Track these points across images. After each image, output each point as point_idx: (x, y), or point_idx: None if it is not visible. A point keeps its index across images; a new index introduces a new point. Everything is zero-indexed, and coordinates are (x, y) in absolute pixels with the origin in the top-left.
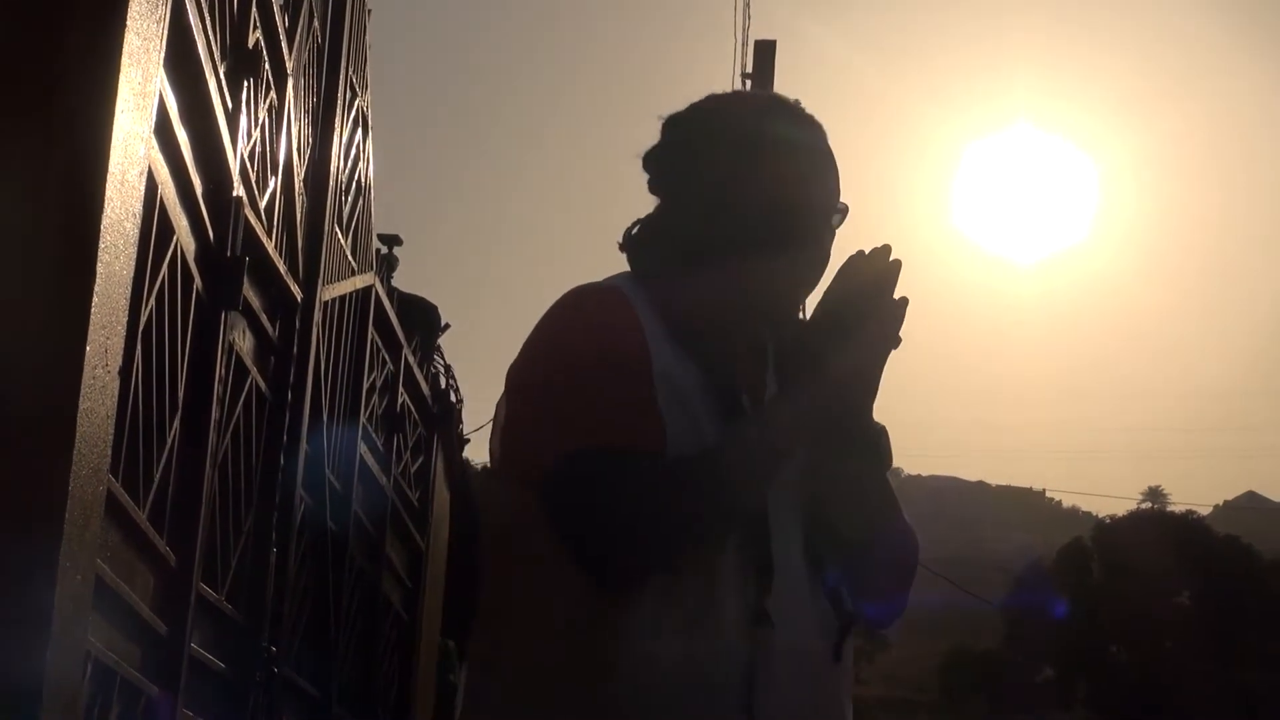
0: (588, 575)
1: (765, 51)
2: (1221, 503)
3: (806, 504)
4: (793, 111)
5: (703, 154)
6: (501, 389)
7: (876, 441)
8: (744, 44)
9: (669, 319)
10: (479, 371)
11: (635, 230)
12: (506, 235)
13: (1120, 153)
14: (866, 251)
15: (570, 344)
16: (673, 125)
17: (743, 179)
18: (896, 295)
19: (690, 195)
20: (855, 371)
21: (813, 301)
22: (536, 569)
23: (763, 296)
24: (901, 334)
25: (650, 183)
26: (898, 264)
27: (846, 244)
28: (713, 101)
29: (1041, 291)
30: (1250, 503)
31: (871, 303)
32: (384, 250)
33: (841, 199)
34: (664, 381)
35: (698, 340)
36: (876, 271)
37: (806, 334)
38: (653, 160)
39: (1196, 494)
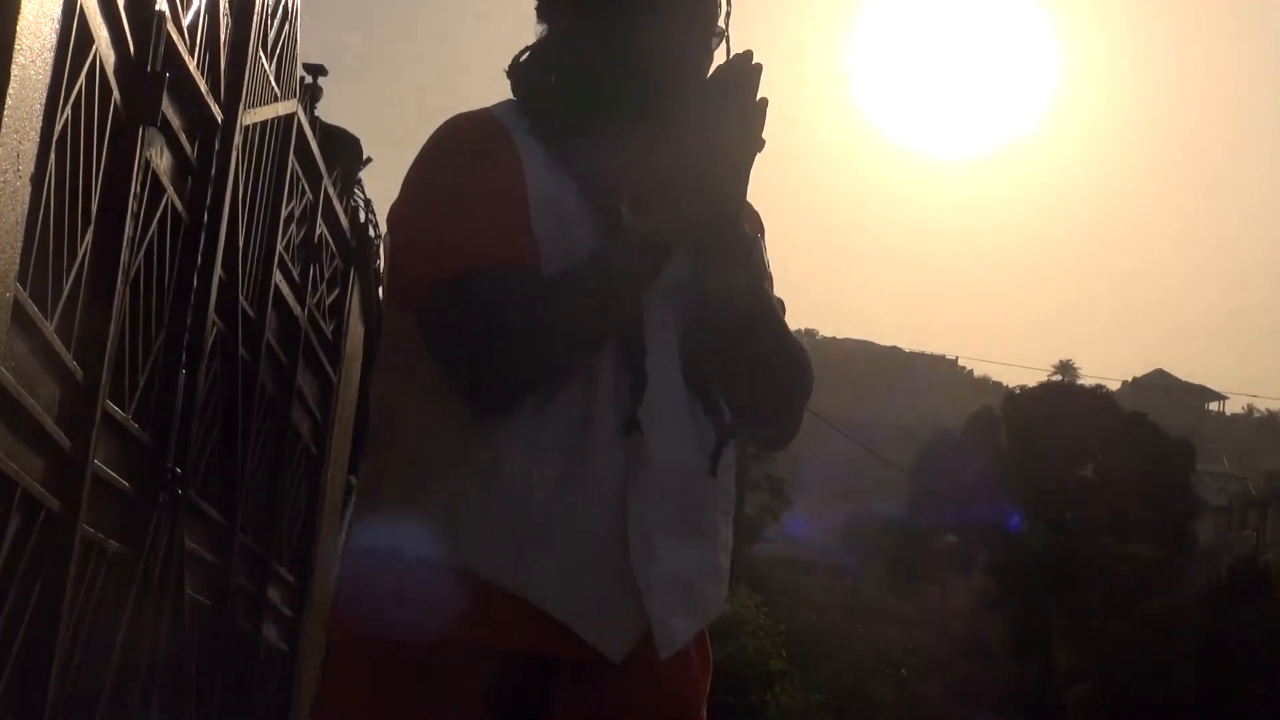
0: (462, 399)
1: None
2: (1131, 379)
3: (687, 319)
4: None
5: None
6: None
7: (748, 252)
8: None
9: (550, 142)
10: None
11: (523, 58)
12: (434, 72)
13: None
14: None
15: (442, 172)
16: None
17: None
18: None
19: (559, 30)
20: (717, 182)
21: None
22: (419, 394)
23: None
24: (764, 137)
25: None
26: (758, 67)
27: None
28: None
29: (974, 181)
30: (1158, 380)
31: (732, 108)
32: (309, 80)
33: None
34: (542, 203)
35: (578, 159)
36: (736, 76)
37: (669, 150)
38: None
39: (1106, 369)
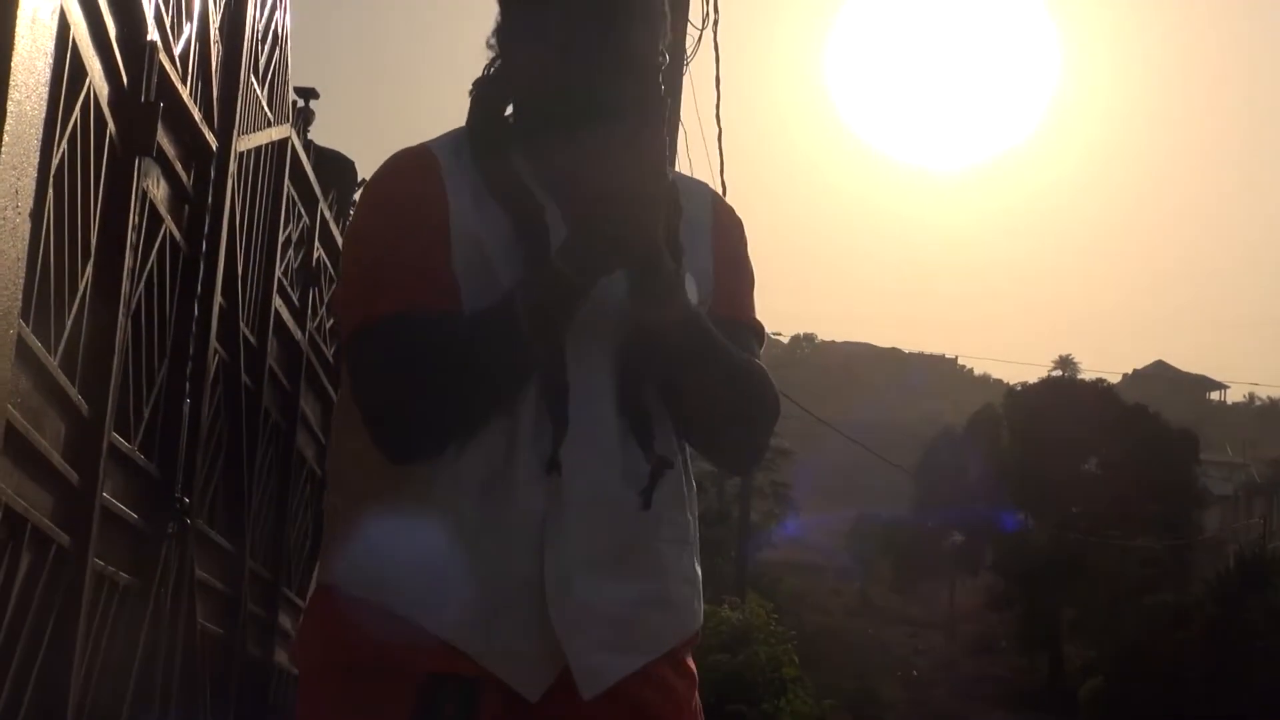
0: (374, 444)
1: None
2: (1131, 371)
3: (623, 353)
4: None
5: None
6: None
7: (674, 289)
8: None
9: (485, 171)
10: None
11: (486, 74)
12: (427, 92)
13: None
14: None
15: (367, 216)
16: None
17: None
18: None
19: (503, 49)
20: (625, 223)
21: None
22: (355, 434)
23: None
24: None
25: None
26: (664, 101)
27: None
28: None
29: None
30: (1159, 371)
31: (643, 145)
32: (301, 103)
33: None
34: (464, 241)
35: (510, 189)
36: (649, 113)
37: (583, 189)
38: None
39: (1106, 362)
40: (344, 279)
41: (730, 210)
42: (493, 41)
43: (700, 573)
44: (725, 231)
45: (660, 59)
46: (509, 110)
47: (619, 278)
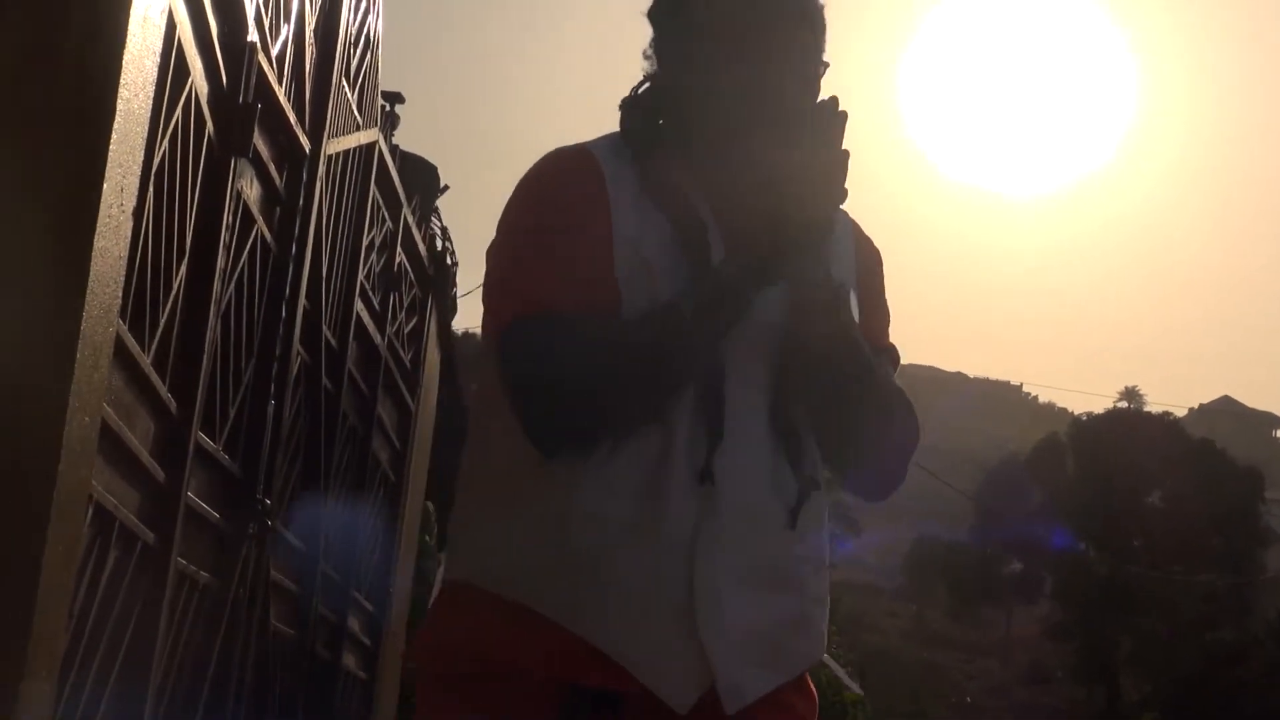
0: (526, 437)
1: None
2: (1197, 405)
3: (779, 369)
4: None
5: (663, 26)
6: None
7: (833, 304)
8: None
9: (646, 178)
10: (476, 235)
11: (637, 90)
12: (510, 97)
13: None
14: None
15: (529, 209)
16: None
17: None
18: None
19: (660, 62)
20: (799, 234)
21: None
22: (503, 429)
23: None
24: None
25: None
26: (844, 115)
27: None
28: None
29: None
30: (1226, 407)
31: (815, 158)
32: (388, 107)
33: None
34: (625, 246)
35: (672, 197)
36: (822, 124)
37: (748, 197)
38: (650, 19)
39: (1173, 396)
40: (499, 271)
41: (870, 241)
42: (649, 53)
43: (829, 596)
44: (869, 264)
45: (821, 69)
46: (660, 121)
47: (781, 292)
